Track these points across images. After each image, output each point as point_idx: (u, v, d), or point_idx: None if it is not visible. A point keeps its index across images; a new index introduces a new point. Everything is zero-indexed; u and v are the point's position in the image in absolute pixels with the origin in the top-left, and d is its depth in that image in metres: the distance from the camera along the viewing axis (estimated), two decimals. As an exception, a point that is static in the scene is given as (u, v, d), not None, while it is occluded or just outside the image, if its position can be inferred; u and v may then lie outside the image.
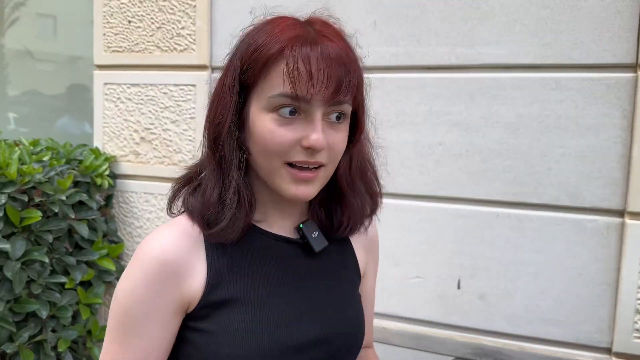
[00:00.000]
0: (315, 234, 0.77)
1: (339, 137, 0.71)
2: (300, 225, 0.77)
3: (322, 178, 0.72)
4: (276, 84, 0.67)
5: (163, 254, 0.67)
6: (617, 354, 1.51)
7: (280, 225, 0.76)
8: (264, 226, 0.75)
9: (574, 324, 1.57)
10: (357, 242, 0.87)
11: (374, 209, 0.84)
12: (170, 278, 0.67)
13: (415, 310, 1.73)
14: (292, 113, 0.67)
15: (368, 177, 0.82)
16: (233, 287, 0.69)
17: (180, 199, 0.75)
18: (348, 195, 0.78)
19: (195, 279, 0.68)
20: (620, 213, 1.51)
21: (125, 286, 0.68)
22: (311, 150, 0.68)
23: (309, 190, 0.70)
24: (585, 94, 1.53)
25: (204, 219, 0.70)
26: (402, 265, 1.74)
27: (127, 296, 0.67)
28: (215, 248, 0.70)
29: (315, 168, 0.70)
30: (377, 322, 1.64)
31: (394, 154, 1.73)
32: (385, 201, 1.74)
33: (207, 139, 0.73)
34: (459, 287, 1.68)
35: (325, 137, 0.68)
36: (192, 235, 0.70)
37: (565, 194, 1.56)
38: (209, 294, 0.68)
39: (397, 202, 1.74)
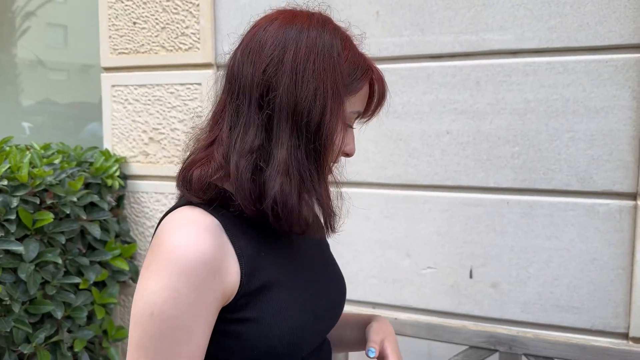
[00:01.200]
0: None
1: None
2: None
3: None
4: (358, 100, 0.75)
5: (202, 254, 0.62)
6: (634, 339, 1.49)
7: None
8: None
9: (589, 310, 1.55)
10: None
11: None
12: (212, 277, 0.63)
13: (428, 300, 1.73)
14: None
15: None
16: (266, 271, 0.69)
17: (206, 188, 0.69)
18: None
19: (231, 271, 0.66)
20: (633, 196, 1.49)
21: (164, 298, 0.61)
22: (346, 157, 0.77)
23: None
24: (593, 76, 1.51)
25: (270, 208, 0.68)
26: (414, 256, 1.74)
27: (171, 307, 0.61)
28: (237, 237, 0.69)
29: None
30: (389, 313, 1.63)
31: (401, 145, 1.72)
32: (395, 192, 1.75)
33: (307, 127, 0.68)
34: (471, 277, 1.67)
35: None
36: (214, 228, 0.67)
37: (576, 179, 1.54)
38: (247, 283, 0.67)
39: (406, 193, 1.73)
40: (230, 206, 0.69)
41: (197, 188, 0.70)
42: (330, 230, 0.74)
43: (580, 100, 1.52)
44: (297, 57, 0.68)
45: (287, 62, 0.68)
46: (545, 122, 1.56)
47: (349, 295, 1.81)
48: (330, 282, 0.83)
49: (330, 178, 0.77)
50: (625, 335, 1.52)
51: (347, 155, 0.79)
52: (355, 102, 0.74)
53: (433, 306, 1.72)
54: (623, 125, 1.49)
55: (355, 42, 0.75)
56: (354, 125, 0.80)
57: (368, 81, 0.75)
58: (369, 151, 1.76)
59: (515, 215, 1.61)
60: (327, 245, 0.92)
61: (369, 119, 0.80)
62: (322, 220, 0.75)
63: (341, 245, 1.82)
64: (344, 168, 1.74)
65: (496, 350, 1.45)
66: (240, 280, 0.67)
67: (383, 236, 1.77)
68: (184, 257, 0.62)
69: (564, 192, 1.55)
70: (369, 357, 0.78)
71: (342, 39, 0.72)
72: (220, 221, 0.68)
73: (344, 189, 1.78)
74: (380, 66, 1.76)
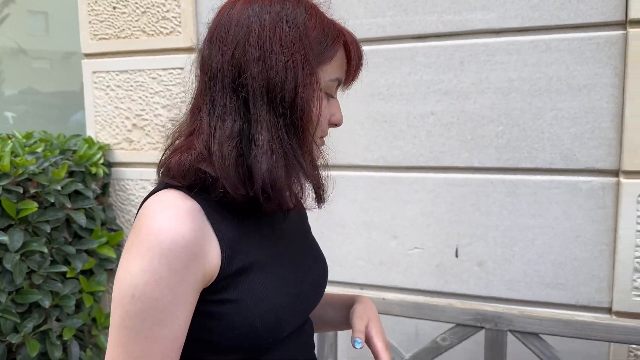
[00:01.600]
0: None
1: None
2: None
3: None
4: (335, 67, 0.74)
5: (182, 237, 0.63)
6: (617, 313, 1.52)
7: None
8: None
9: (573, 286, 1.57)
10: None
11: None
12: (193, 260, 0.64)
13: (415, 280, 1.74)
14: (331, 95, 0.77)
15: None
16: (246, 253, 0.70)
17: (185, 170, 0.69)
18: None
19: (211, 254, 0.67)
20: (615, 173, 1.51)
21: (145, 280, 0.62)
22: (335, 127, 0.78)
23: None
24: (576, 54, 1.51)
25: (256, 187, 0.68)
26: (400, 237, 1.75)
27: (152, 289, 0.62)
28: (217, 221, 0.69)
29: None
30: (377, 294, 1.64)
31: (386, 126, 1.72)
32: (381, 175, 1.75)
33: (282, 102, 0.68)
34: (457, 256, 1.69)
35: None
36: (194, 211, 0.67)
37: (560, 157, 1.55)
38: (228, 266, 0.68)
39: (392, 174, 1.74)
40: (211, 191, 0.69)
41: (177, 174, 0.69)
42: (320, 201, 0.74)
43: (564, 79, 1.53)
44: (262, 34, 0.67)
45: (253, 41, 0.68)
46: (529, 101, 1.56)
47: (337, 277, 1.82)
48: (311, 263, 0.83)
49: (319, 152, 0.76)
50: (608, 310, 1.55)
51: (335, 125, 0.78)
52: (332, 70, 0.74)
53: (420, 286, 1.74)
54: (605, 102, 1.49)
55: (323, 9, 0.74)
56: (336, 94, 0.78)
57: (341, 46, 0.74)
58: (355, 133, 1.76)
59: (500, 194, 1.62)
60: (308, 229, 0.92)
61: (350, 84, 0.79)
62: (311, 194, 0.75)
63: (328, 229, 1.82)
64: (330, 150, 1.74)
65: (482, 327, 1.47)
66: (221, 263, 0.68)
67: (370, 218, 1.77)
68: (164, 241, 0.62)
69: (548, 170, 1.57)
70: (356, 348, 0.79)
71: (307, 9, 0.71)
72: (201, 205, 0.68)
73: (332, 173, 1.78)
74: (364, 48, 1.75)
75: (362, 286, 1.81)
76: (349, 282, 1.81)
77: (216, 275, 0.67)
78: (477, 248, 1.66)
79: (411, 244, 1.74)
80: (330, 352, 1.66)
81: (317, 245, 0.90)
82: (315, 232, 1.82)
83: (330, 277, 1.80)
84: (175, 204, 0.66)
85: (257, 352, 0.71)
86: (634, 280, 1.50)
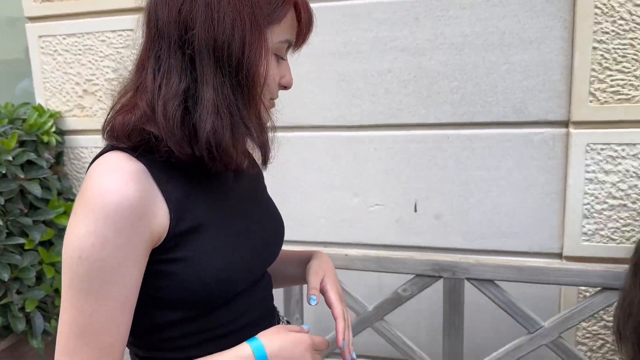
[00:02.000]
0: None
1: None
2: None
3: None
4: (285, 29, 0.73)
5: (127, 198, 0.63)
6: (567, 257, 1.60)
7: None
8: None
9: (527, 234, 1.64)
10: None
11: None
12: (139, 220, 0.64)
13: (376, 236, 1.78)
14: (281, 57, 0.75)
15: None
16: (195, 213, 0.70)
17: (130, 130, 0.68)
18: None
19: (159, 214, 0.67)
20: (565, 124, 1.56)
21: (91, 242, 0.62)
22: (285, 89, 0.75)
23: None
24: (527, 7, 1.53)
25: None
26: (361, 195, 1.77)
27: (99, 251, 0.62)
28: (164, 181, 0.69)
29: None
30: (339, 250, 1.68)
31: (344, 85, 1.72)
32: (339, 134, 1.76)
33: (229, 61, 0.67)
34: (415, 210, 1.73)
35: None
36: (139, 172, 0.67)
37: (512, 110, 1.59)
38: (177, 225, 0.68)
39: (351, 133, 1.75)
40: (157, 151, 0.68)
41: (121, 134, 0.68)
42: (264, 163, 0.74)
43: (515, 32, 1.55)
44: None
45: None
46: (482, 55, 1.58)
47: (300, 237, 1.84)
48: (265, 222, 0.83)
49: (267, 115, 0.75)
50: (559, 255, 1.63)
51: (285, 87, 0.77)
52: (281, 32, 0.73)
53: (381, 241, 1.78)
54: (555, 55, 1.53)
55: None
56: (286, 56, 0.78)
57: (292, 7, 0.73)
58: (312, 93, 1.75)
59: (456, 149, 1.66)
60: (263, 188, 0.92)
61: (300, 46, 0.78)
62: (258, 155, 0.75)
63: (290, 189, 1.83)
64: (289, 111, 1.73)
65: (440, 277, 1.53)
66: (170, 223, 0.68)
67: (330, 178, 1.79)
68: (109, 203, 0.63)
69: (501, 123, 1.60)
70: (311, 305, 0.82)
71: None
72: (146, 166, 0.68)
73: (290, 134, 1.78)
74: (321, 4, 1.73)
75: (325, 244, 1.84)
76: (312, 241, 1.84)
77: (165, 235, 0.68)
78: (435, 202, 1.71)
79: (372, 201, 1.77)
80: (297, 308, 1.70)
81: (273, 204, 0.90)
82: (277, 194, 1.83)
83: (293, 237, 1.82)
84: (120, 166, 0.66)
85: (210, 308, 0.73)
86: (583, 226, 1.58)
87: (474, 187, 1.66)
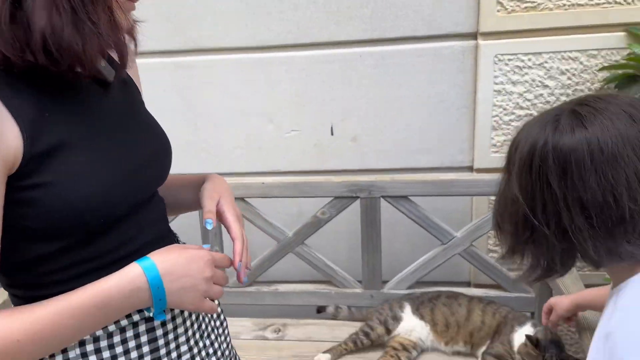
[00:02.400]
0: (102, 64, 0.70)
1: None
2: None
3: None
4: None
5: None
6: (478, 170, 1.64)
7: None
8: None
9: (439, 149, 1.66)
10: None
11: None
12: None
13: (294, 162, 1.75)
14: None
15: None
16: (54, 132, 0.63)
17: None
18: None
19: (8, 136, 0.59)
20: (474, 35, 1.55)
21: None
22: None
23: None
24: None
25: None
26: (276, 121, 1.72)
27: None
28: (9, 97, 0.60)
29: None
30: (256, 179, 1.64)
31: (251, 1, 1.61)
32: (249, 56, 1.67)
33: None
34: (332, 134, 1.70)
35: None
36: None
37: (422, 24, 1.55)
38: (32, 146, 0.60)
39: (262, 55, 1.66)
40: None
41: None
42: (122, 65, 0.66)
43: (423, -60, 1.49)
44: None
45: None
46: (391, -34, 1.52)
47: (215, 169, 1.77)
48: (144, 138, 0.76)
49: (124, 15, 0.65)
50: (470, 168, 1.67)
51: None
52: None
53: (300, 167, 1.75)
54: (463, -36, 1.49)
55: None
56: None
57: None
58: (217, 12, 1.63)
59: (369, 67, 1.62)
60: (140, 102, 0.84)
61: None
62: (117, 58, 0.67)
63: (201, 119, 1.74)
64: (192, 35, 1.59)
65: (357, 197, 1.53)
66: (23, 144, 0.60)
67: (243, 104, 1.71)
68: None
69: (412, 38, 1.57)
70: (208, 229, 0.77)
71: None
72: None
73: (197, 58, 1.67)
74: None
75: (243, 174, 1.79)
76: (229, 172, 1.78)
77: (20, 158, 0.60)
78: (351, 124, 1.68)
79: (288, 126, 1.72)
80: (216, 241, 1.66)
81: (153, 120, 0.82)
82: (188, 124, 1.74)
83: (208, 169, 1.75)
84: None
85: (88, 236, 0.67)
86: (492, 138, 1.61)
87: (388, 106, 1.64)
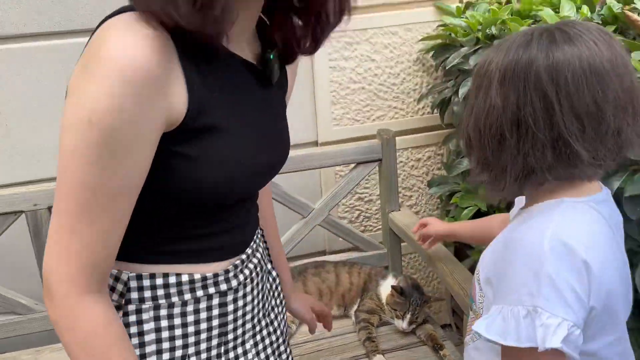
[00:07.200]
0: (276, 66, 0.71)
1: None
2: (272, 56, 0.70)
3: None
4: None
5: (149, 66, 0.54)
6: (322, 143, 1.73)
7: (241, 47, 0.68)
8: (232, 48, 0.65)
9: (285, 128, 1.70)
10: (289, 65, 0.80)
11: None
12: (157, 94, 0.56)
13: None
14: None
15: None
16: (214, 114, 0.63)
17: None
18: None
19: (178, 98, 0.59)
20: (305, 15, 1.61)
21: (106, 105, 0.54)
22: None
23: None
24: None
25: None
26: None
27: (113, 117, 0.54)
28: (191, 67, 0.60)
29: None
30: None
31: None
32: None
33: None
34: None
35: None
36: (164, 42, 0.57)
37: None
38: (193, 118, 0.60)
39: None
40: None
41: None
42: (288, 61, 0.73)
43: None
44: None
45: None
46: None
47: None
48: (278, 144, 0.76)
49: None
50: (315, 143, 1.74)
51: None
52: None
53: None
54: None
55: None
56: None
57: None
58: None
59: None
60: (284, 105, 0.80)
61: None
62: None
63: None
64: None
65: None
66: (187, 113, 0.60)
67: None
68: (130, 66, 0.54)
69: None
70: None
71: None
72: (176, 45, 0.58)
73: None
74: None
75: None
76: None
77: (179, 123, 0.60)
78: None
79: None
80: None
81: (287, 126, 0.81)
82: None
83: None
84: (143, 33, 0.56)
85: (202, 211, 0.68)
86: (332, 112, 1.71)
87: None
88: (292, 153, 1.55)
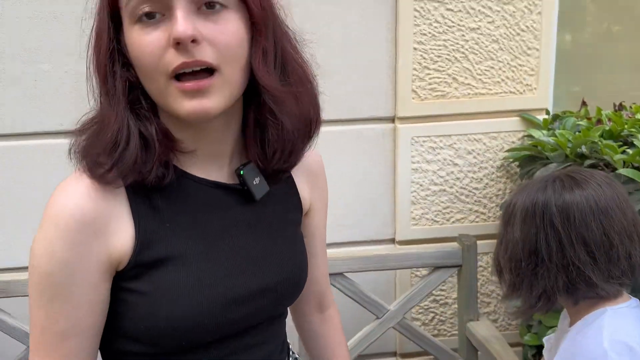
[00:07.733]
0: (256, 180, 0.69)
1: (219, 28, 0.61)
2: (242, 172, 0.68)
3: (221, 86, 0.61)
4: None
5: (79, 210, 0.60)
6: (400, 242, 1.73)
7: (213, 169, 0.68)
8: (196, 172, 0.67)
9: (364, 224, 1.73)
10: (300, 175, 0.78)
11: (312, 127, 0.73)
12: (92, 236, 0.60)
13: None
14: (150, 16, 0.59)
15: (297, 74, 0.69)
16: (166, 244, 0.64)
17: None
18: (274, 108, 0.65)
19: (122, 235, 0.62)
20: (392, 119, 1.68)
21: (42, 251, 0.60)
22: (183, 46, 0.58)
23: (206, 103, 0.60)
24: (353, 11, 1.59)
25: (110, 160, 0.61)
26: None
27: (47, 262, 0.60)
28: (141, 201, 0.63)
29: (207, 73, 0.60)
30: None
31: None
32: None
33: (96, 74, 0.65)
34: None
35: (194, 26, 0.58)
36: (109, 189, 0.62)
37: (346, 109, 1.65)
38: (140, 253, 0.63)
39: None
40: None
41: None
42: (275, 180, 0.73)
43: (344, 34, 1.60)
44: None
45: None
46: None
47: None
48: (269, 265, 0.70)
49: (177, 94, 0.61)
50: (392, 240, 1.75)
51: (177, 43, 0.59)
52: None
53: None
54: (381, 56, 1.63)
55: None
56: (196, 11, 0.60)
57: None
58: None
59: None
60: (291, 222, 0.77)
61: None
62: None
63: None
64: None
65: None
66: (133, 250, 0.62)
67: None
68: (62, 213, 0.60)
69: (335, 121, 1.65)
70: None
71: None
72: (130, 187, 0.63)
73: None
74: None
75: None
76: None
77: (127, 260, 0.62)
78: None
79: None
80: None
81: (297, 245, 0.76)
82: None
83: None
84: (85, 182, 0.62)
85: (178, 350, 0.65)
86: (411, 212, 1.72)
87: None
88: (370, 252, 1.59)
